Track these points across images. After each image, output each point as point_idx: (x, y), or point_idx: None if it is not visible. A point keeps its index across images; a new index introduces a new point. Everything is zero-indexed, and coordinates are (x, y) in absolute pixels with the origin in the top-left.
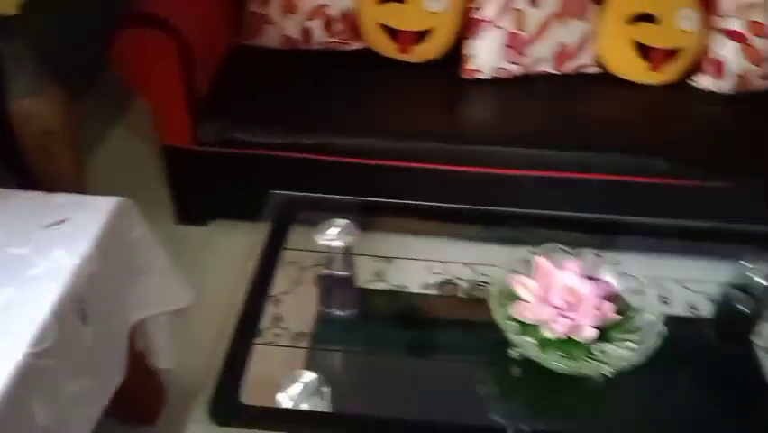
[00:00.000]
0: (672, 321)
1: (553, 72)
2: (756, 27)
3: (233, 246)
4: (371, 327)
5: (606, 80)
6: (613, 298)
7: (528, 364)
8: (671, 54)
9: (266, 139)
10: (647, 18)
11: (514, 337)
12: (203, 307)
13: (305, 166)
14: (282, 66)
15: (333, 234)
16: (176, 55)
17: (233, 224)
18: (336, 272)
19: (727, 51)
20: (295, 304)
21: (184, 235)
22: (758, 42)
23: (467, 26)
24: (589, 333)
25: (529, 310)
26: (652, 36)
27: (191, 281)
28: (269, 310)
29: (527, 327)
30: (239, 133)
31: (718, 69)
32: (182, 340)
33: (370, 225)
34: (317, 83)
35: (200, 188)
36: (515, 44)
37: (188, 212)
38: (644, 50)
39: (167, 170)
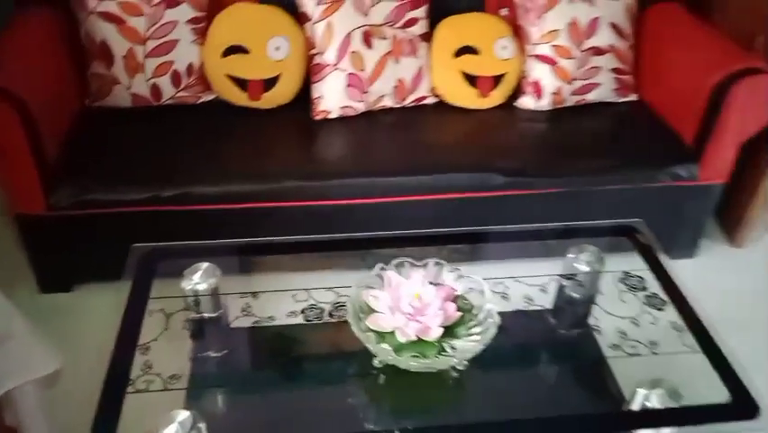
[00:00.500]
0: (518, 315)
1: (395, 106)
2: (561, 50)
3: (100, 308)
4: (244, 363)
5: (442, 109)
6: (455, 299)
7: (391, 370)
8: (495, 81)
9: (123, 196)
10: (470, 50)
11: (373, 347)
12: (77, 373)
13: (166, 219)
14: (134, 124)
15: (198, 278)
16: (20, 126)
17: (99, 286)
18: (205, 315)
19: (541, 74)
20: (165, 350)
21: (49, 303)
22: (565, 63)
23: (312, 71)
24: (436, 332)
25: (383, 320)
26: (476, 66)
27: (61, 349)
28: (139, 359)
29: (384, 335)
30: (94, 193)
31: (536, 89)
32: (58, 409)
33: (235, 266)
34: (171, 137)
35: (59, 254)
36: (356, 84)
37: (50, 279)
38: (472, 79)
39: (23, 239)
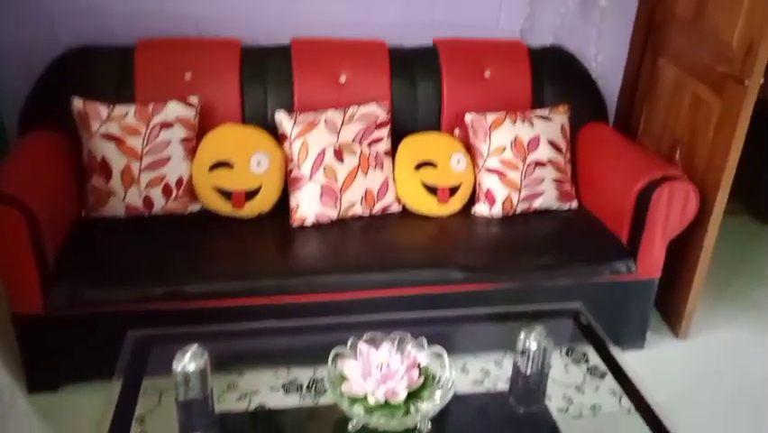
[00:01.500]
0: (476, 384)
1: (365, 214)
2: (508, 164)
3: (85, 409)
4: None
5: (407, 216)
6: (418, 367)
7: (366, 431)
8: (452, 190)
9: (116, 295)
10: (429, 164)
11: (347, 410)
12: None
13: (156, 317)
14: (126, 232)
15: (187, 359)
16: (26, 230)
17: (85, 386)
18: (192, 396)
19: (492, 184)
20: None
21: (35, 404)
22: (512, 175)
23: (289, 183)
24: (401, 395)
25: (356, 385)
26: (435, 178)
27: None
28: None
29: (357, 400)
30: (89, 293)
31: (489, 198)
32: None
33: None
34: (161, 243)
35: (51, 354)
36: (330, 194)
37: (39, 379)
38: (432, 190)
39: (18, 339)
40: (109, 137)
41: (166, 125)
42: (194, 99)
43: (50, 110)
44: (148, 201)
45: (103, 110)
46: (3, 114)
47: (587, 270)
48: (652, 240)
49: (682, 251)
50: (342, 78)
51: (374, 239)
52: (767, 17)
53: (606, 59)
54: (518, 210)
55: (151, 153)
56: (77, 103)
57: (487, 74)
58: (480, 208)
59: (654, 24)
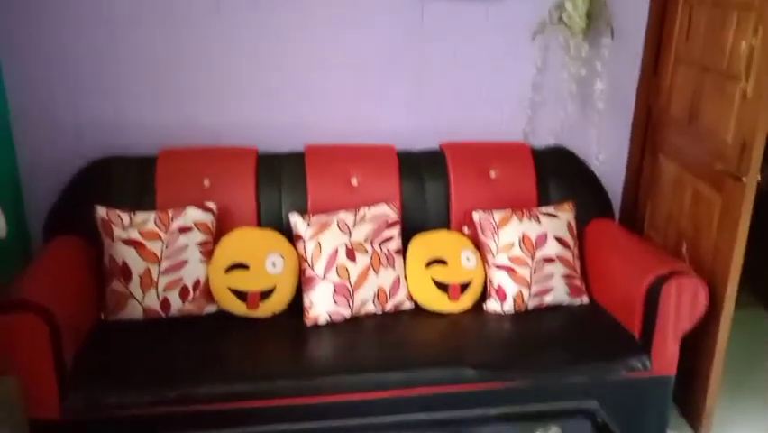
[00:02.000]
0: None
1: (377, 312)
2: (517, 260)
3: None
4: None
5: (419, 313)
6: None
7: None
8: (463, 287)
9: (132, 399)
10: (440, 261)
11: None
12: None
13: (170, 419)
14: (144, 334)
15: None
16: (47, 337)
17: None
18: None
19: (503, 280)
20: None
21: None
22: (522, 271)
23: (303, 282)
24: None
25: None
26: (445, 275)
27: None
28: None
29: None
30: (105, 398)
31: (500, 294)
32: None
33: None
34: (177, 345)
35: None
36: (343, 293)
37: None
38: (443, 287)
39: None
40: (130, 242)
41: (184, 230)
42: (211, 204)
43: (74, 218)
44: (165, 303)
45: (125, 217)
46: (28, 222)
47: (602, 367)
48: (664, 336)
49: (697, 346)
50: (354, 181)
51: (387, 338)
52: (758, 116)
53: (607, 158)
54: (530, 306)
55: (170, 257)
56: (101, 211)
57: (492, 174)
58: (492, 305)
59: (652, 123)
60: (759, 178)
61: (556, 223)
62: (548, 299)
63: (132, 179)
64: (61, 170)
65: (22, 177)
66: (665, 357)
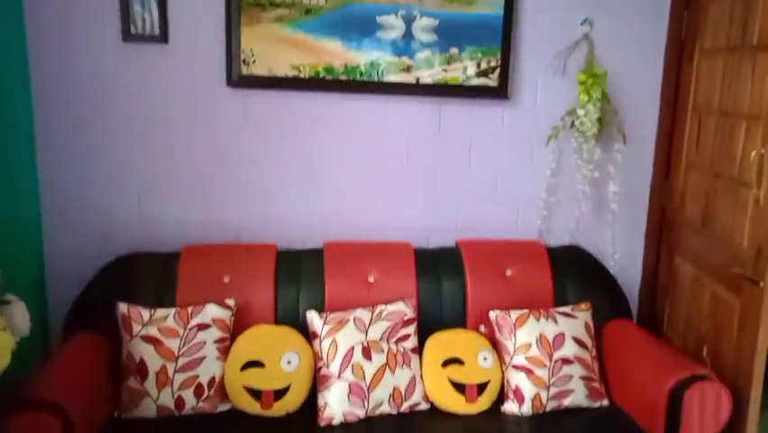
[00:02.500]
0: None
1: (392, 412)
2: (535, 360)
3: None
4: None
5: (435, 414)
6: None
7: None
8: (480, 388)
9: None
10: (456, 361)
11: None
12: None
13: None
14: None
15: None
16: None
17: None
18: None
19: (520, 381)
20: None
21: None
22: (540, 372)
23: (318, 381)
24: None
25: None
26: (462, 375)
27: None
28: None
29: None
30: None
31: (518, 396)
32: None
33: None
34: None
35: None
36: (358, 392)
37: None
38: (460, 387)
39: None
40: (149, 339)
41: (203, 327)
42: (230, 301)
43: (95, 314)
44: (180, 401)
45: (145, 314)
46: (50, 316)
47: None
48: None
49: None
50: (371, 278)
51: None
52: None
53: (623, 258)
54: (548, 408)
55: (187, 354)
56: (122, 308)
57: (509, 273)
58: (510, 407)
59: (666, 225)
60: None
61: (574, 323)
62: (567, 402)
63: (155, 275)
64: (87, 266)
65: (47, 272)
66: None
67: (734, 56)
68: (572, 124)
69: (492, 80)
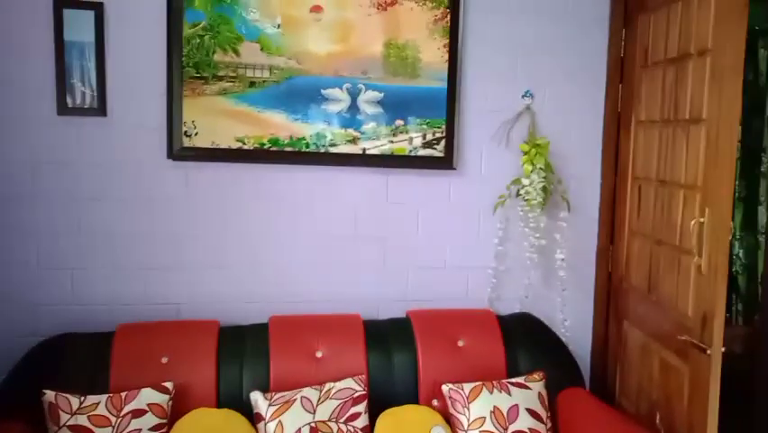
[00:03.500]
0: None
1: None
2: (497, 414)
3: None
4: None
5: None
6: None
7: None
8: None
9: None
10: None
11: None
12: None
13: None
14: None
15: None
16: None
17: None
18: None
19: None
20: None
21: None
22: None
23: None
24: None
25: None
26: None
27: None
28: None
29: None
30: None
31: None
32: None
33: None
34: None
35: None
36: None
37: None
38: None
39: None
40: (77, 429)
41: (138, 413)
42: (168, 384)
43: (21, 401)
44: None
45: (74, 401)
46: None
47: None
48: None
49: None
50: (319, 354)
51: None
52: (715, 290)
53: (573, 324)
54: None
55: None
56: (49, 396)
57: (460, 343)
58: None
59: (614, 290)
60: (723, 348)
61: (527, 394)
62: None
63: (87, 357)
64: (14, 349)
65: None
66: None
67: (668, 128)
68: (518, 193)
69: (438, 151)
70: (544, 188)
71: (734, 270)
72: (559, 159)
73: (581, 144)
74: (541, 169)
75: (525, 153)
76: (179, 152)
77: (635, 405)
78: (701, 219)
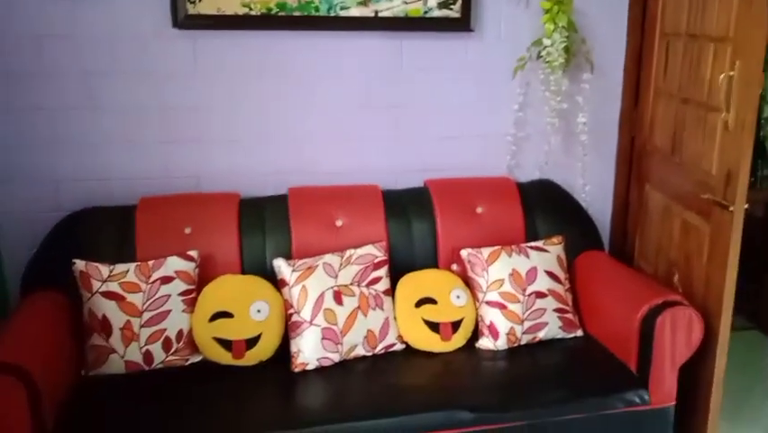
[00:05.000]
0: None
1: (367, 354)
2: (508, 296)
3: None
4: None
5: (410, 354)
6: None
7: None
8: (454, 326)
9: None
10: (429, 301)
11: None
12: None
13: None
14: (126, 390)
15: None
16: (25, 400)
17: None
18: None
19: (494, 317)
20: None
21: None
22: (513, 307)
23: (290, 328)
24: None
25: None
26: (436, 314)
27: None
28: None
29: None
30: None
31: (492, 331)
32: None
33: None
34: (159, 399)
35: None
36: (331, 337)
37: None
38: (434, 326)
39: None
40: (110, 295)
41: (166, 280)
42: (193, 253)
43: (53, 272)
44: (148, 356)
45: (104, 270)
46: (6, 276)
47: (599, 402)
48: (661, 368)
49: (695, 375)
50: (339, 223)
51: (378, 382)
52: (741, 146)
53: (594, 189)
54: (523, 342)
55: (151, 309)
56: (79, 265)
57: (479, 210)
58: (485, 342)
59: (636, 154)
60: (746, 205)
61: (546, 257)
62: (541, 335)
63: (112, 229)
64: (40, 224)
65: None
66: (663, 389)
67: None
68: (539, 55)
69: (455, 11)
70: (567, 49)
71: (761, 134)
72: (582, 17)
73: (606, 1)
74: (563, 28)
75: (547, 11)
76: (185, 20)
77: (654, 266)
78: (731, 73)
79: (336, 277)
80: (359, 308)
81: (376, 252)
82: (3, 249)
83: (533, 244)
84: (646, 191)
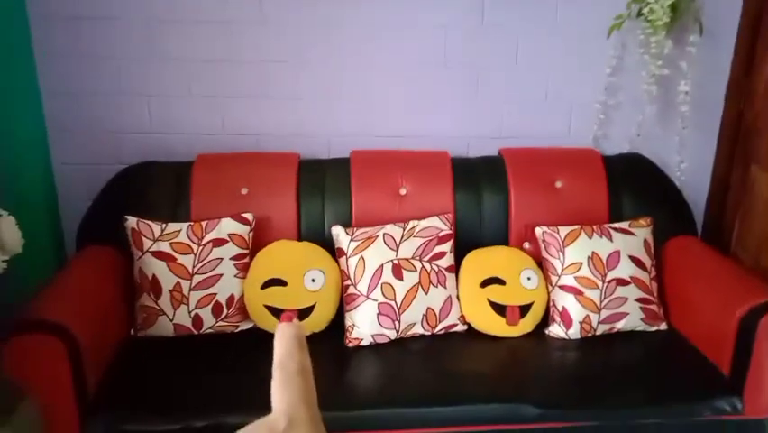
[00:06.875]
0: None
1: (425, 333)
2: (586, 281)
3: None
4: None
5: (472, 337)
6: None
7: None
8: (523, 310)
9: (156, 427)
10: (497, 281)
11: None
12: None
13: None
14: (173, 353)
15: None
16: (66, 359)
17: None
18: None
19: (568, 303)
20: None
21: None
22: (590, 294)
23: (345, 300)
24: None
25: None
26: (503, 296)
27: None
28: None
29: None
30: (128, 424)
31: (565, 318)
32: None
33: None
34: (208, 366)
35: None
36: (388, 313)
37: None
38: (500, 308)
39: None
40: (160, 255)
41: (218, 243)
42: (248, 216)
43: (107, 226)
44: (197, 320)
45: (156, 228)
46: (64, 229)
47: (683, 407)
48: (760, 375)
49: None
50: (403, 191)
51: (435, 365)
52: None
53: (690, 167)
54: (598, 332)
55: (202, 272)
56: (131, 222)
57: (558, 184)
58: (555, 330)
59: (744, 130)
60: None
61: (631, 241)
62: (620, 325)
63: (167, 185)
64: (97, 177)
65: (57, 184)
66: (761, 399)
67: None
68: (639, 13)
69: None
70: (673, 6)
71: None
72: None
73: None
74: None
75: None
76: None
77: (754, 258)
78: None
79: (397, 250)
80: (419, 283)
81: (441, 224)
82: (62, 200)
83: (617, 225)
84: (752, 173)
